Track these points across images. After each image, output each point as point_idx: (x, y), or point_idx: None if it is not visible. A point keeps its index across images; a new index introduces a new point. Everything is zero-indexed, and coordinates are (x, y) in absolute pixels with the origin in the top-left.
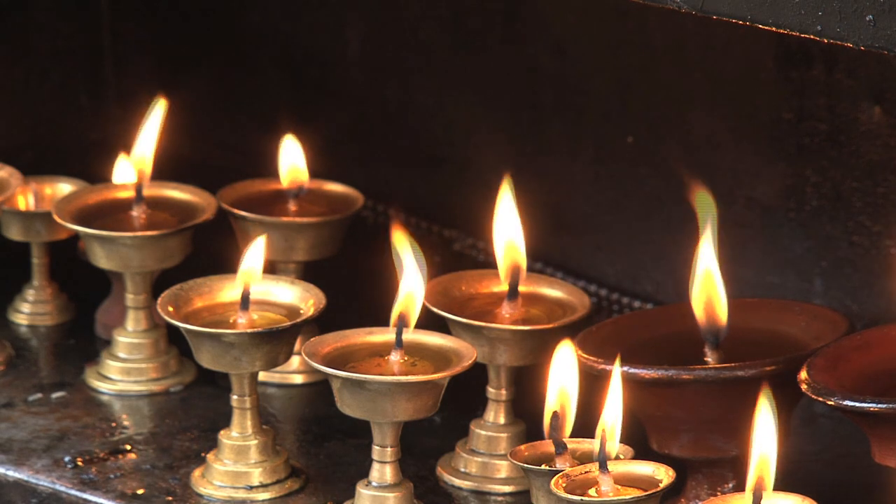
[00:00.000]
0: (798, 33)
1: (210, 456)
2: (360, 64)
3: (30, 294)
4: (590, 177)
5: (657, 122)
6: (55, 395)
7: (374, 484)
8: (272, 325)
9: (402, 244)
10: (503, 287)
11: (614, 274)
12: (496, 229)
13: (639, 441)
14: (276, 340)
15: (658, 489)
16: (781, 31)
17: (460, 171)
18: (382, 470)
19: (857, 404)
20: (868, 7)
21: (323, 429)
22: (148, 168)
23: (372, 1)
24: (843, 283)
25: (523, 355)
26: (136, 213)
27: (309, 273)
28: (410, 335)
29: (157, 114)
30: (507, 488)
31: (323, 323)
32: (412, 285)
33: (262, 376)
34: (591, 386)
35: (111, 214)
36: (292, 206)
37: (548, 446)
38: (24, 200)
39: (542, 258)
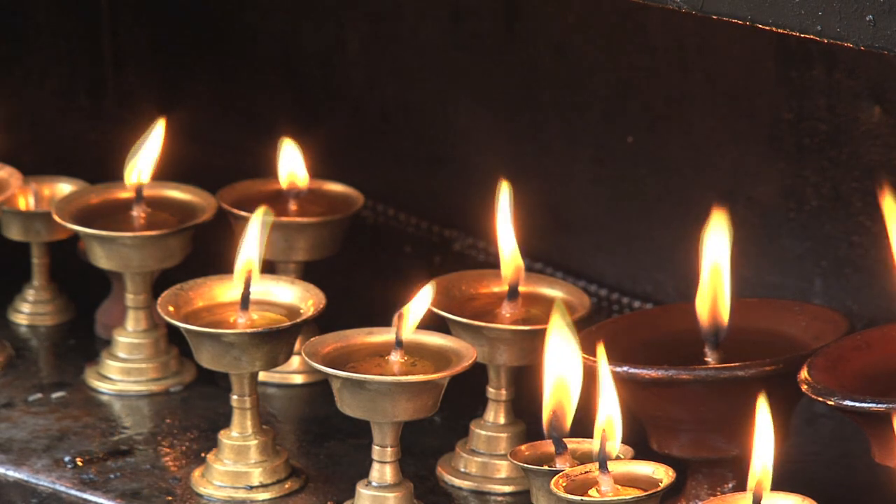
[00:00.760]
0: (798, 33)
1: (210, 456)
2: (360, 64)
3: (30, 294)
4: (590, 177)
5: (657, 122)
6: (55, 395)
7: (374, 484)
8: (272, 325)
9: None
10: (503, 287)
11: (614, 274)
12: (499, 234)
13: (639, 441)
14: (276, 340)
15: (658, 489)
16: (781, 31)
17: (460, 171)
18: (382, 470)
19: (857, 404)
20: (868, 7)
21: (323, 429)
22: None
23: (372, 1)
24: (843, 283)
25: (523, 355)
26: (136, 213)
27: (309, 273)
28: (410, 335)
29: (156, 134)
30: (507, 488)
31: (323, 323)
32: None
33: (262, 376)
34: (591, 384)
35: (111, 214)
36: (292, 206)
37: (548, 446)
38: (24, 200)
39: (542, 258)
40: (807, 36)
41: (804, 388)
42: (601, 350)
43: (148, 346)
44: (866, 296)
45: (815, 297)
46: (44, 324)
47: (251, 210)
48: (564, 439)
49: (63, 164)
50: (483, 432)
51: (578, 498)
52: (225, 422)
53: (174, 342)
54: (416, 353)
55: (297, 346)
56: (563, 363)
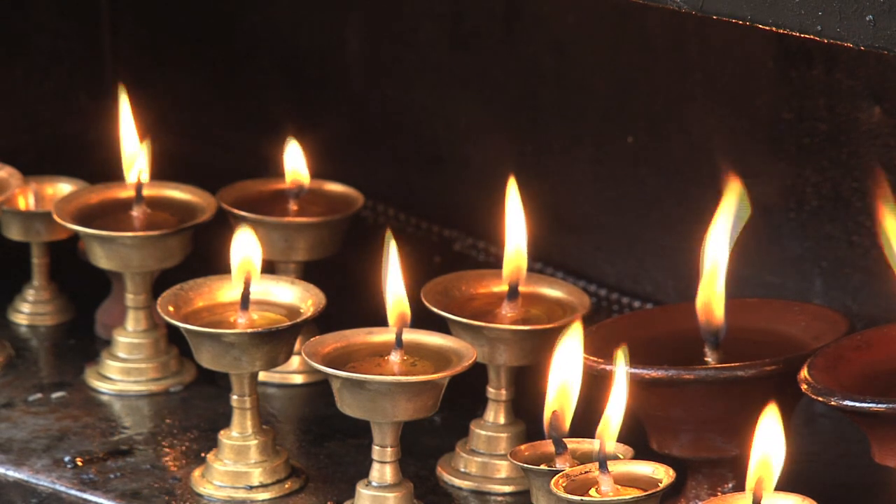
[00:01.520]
0: (798, 33)
1: (210, 456)
2: (360, 64)
3: (30, 294)
4: (590, 177)
5: (657, 122)
6: (55, 395)
7: (374, 484)
8: (272, 325)
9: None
10: (503, 287)
11: (614, 274)
12: (507, 231)
13: (639, 441)
14: (276, 340)
15: (658, 489)
16: (781, 31)
17: (460, 171)
18: (382, 470)
19: (857, 404)
20: (868, 7)
21: (323, 429)
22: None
23: (372, 1)
24: (843, 283)
25: (523, 355)
26: (136, 213)
27: (309, 273)
28: (410, 335)
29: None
30: (507, 488)
31: (323, 323)
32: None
33: (262, 376)
34: (591, 384)
35: (111, 214)
36: (292, 206)
37: (548, 446)
38: (24, 200)
39: (542, 258)
40: (807, 36)
41: (804, 388)
42: (621, 353)
43: (148, 346)
44: (866, 296)
45: (815, 297)
46: (44, 324)
47: (251, 210)
48: (564, 439)
49: (63, 164)
50: (483, 432)
51: (578, 498)
52: (225, 422)
53: (174, 342)
54: (416, 353)
55: (297, 346)
56: (569, 366)
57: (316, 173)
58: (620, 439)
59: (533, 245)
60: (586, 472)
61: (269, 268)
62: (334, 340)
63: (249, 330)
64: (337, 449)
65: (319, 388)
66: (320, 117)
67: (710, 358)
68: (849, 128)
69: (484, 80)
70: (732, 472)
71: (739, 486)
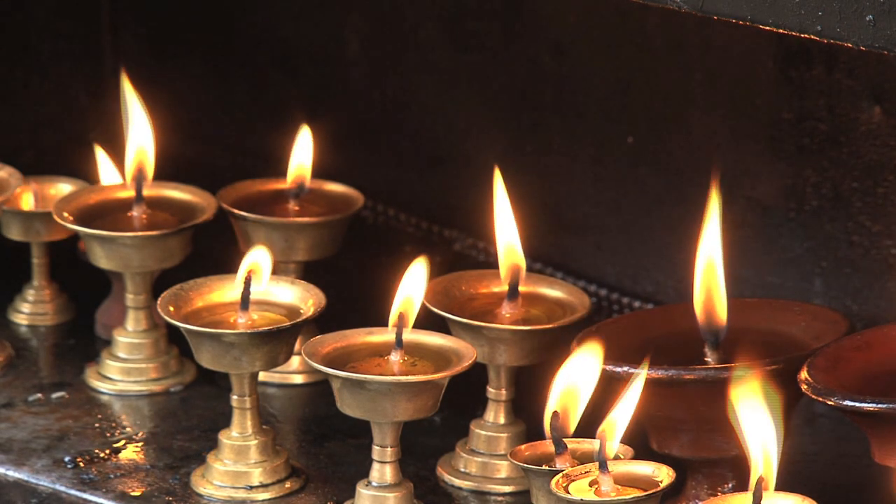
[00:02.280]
0: (798, 33)
1: (210, 456)
2: (360, 64)
3: (30, 294)
4: (590, 177)
5: (657, 122)
6: (55, 395)
7: (374, 484)
8: (272, 325)
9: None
10: (503, 287)
11: (614, 274)
12: (496, 229)
13: (639, 441)
14: (276, 340)
15: (658, 489)
16: (781, 31)
17: (460, 171)
18: (382, 470)
19: (857, 404)
20: (868, 7)
21: (323, 429)
22: (148, 163)
23: (372, 1)
24: (843, 283)
25: (523, 355)
26: (136, 213)
27: (309, 273)
28: (410, 335)
29: (132, 100)
30: (507, 488)
31: (323, 323)
32: (411, 287)
33: (262, 376)
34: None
35: (111, 214)
36: (292, 206)
37: (548, 446)
38: (25, 200)
39: (542, 258)
40: (807, 36)
41: (804, 388)
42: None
43: (148, 346)
44: (866, 296)
45: (815, 297)
46: (44, 324)
47: (251, 210)
48: (564, 439)
49: (63, 164)
50: (483, 432)
51: (578, 498)
52: (225, 422)
53: (174, 342)
54: (416, 353)
55: (297, 346)
56: (582, 372)
57: (316, 173)
58: (620, 439)
59: (533, 245)
60: (586, 472)
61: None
62: (334, 340)
63: (249, 330)
64: (337, 449)
65: (319, 388)
66: (320, 117)
67: (710, 358)
68: (849, 128)
69: (484, 80)
70: (732, 472)
71: (739, 486)
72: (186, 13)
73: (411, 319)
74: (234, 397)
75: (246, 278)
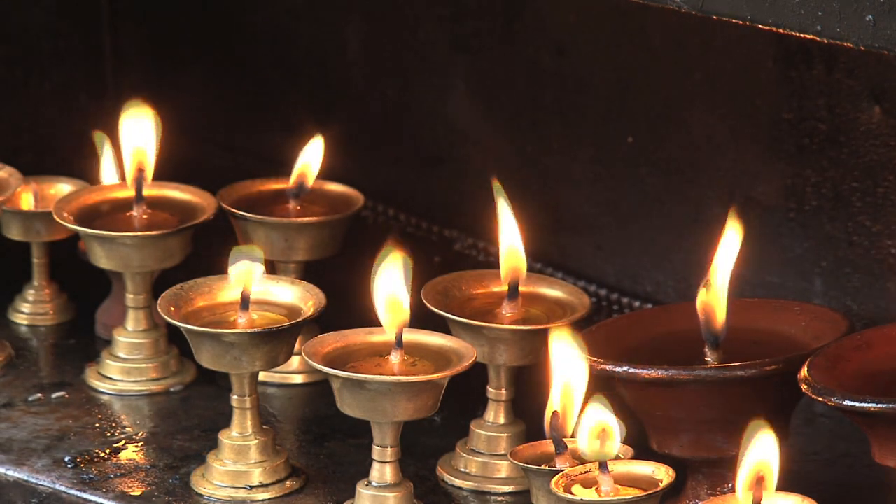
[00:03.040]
0: (798, 33)
1: (210, 456)
2: (360, 64)
3: (30, 294)
4: (590, 177)
5: (657, 122)
6: (55, 395)
7: (374, 484)
8: (272, 325)
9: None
10: (503, 287)
11: (614, 274)
12: (500, 233)
13: (639, 441)
14: (276, 340)
15: (658, 489)
16: (781, 31)
17: (460, 171)
18: (382, 470)
19: (857, 404)
20: (868, 7)
21: (323, 429)
22: (148, 164)
23: (372, 1)
24: (843, 283)
25: (523, 355)
26: (137, 213)
27: (309, 273)
28: (410, 335)
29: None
30: (507, 488)
31: (323, 323)
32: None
33: (262, 376)
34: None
35: (111, 214)
36: (292, 206)
37: (548, 446)
38: (25, 200)
39: (542, 258)
40: (807, 36)
41: (804, 388)
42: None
43: (148, 346)
44: (866, 296)
45: (815, 297)
46: (44, 324)
47: (251, 210)
48: (564, 439)
49: (63, 164)
50: (483, 432)
51: (578, 498)
52: (225, 422)
53: (174, 342)
54: (416, 353)
55: (297, 346)
56: (569, 367)
57: (316, 173)
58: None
59: (533, 245)
60: (586, 472)
61: (269, 268)
62: (334, 340)
63: (249, 330)
64: (337, 449)
65: (319, 388)
66: (321, 117)
67: (710, 358)
68: (849, 128)
69: (484, 80)
70: (732, 472)
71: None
72: (186, 13)
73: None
74: (234, 397)
75: (244, 290)
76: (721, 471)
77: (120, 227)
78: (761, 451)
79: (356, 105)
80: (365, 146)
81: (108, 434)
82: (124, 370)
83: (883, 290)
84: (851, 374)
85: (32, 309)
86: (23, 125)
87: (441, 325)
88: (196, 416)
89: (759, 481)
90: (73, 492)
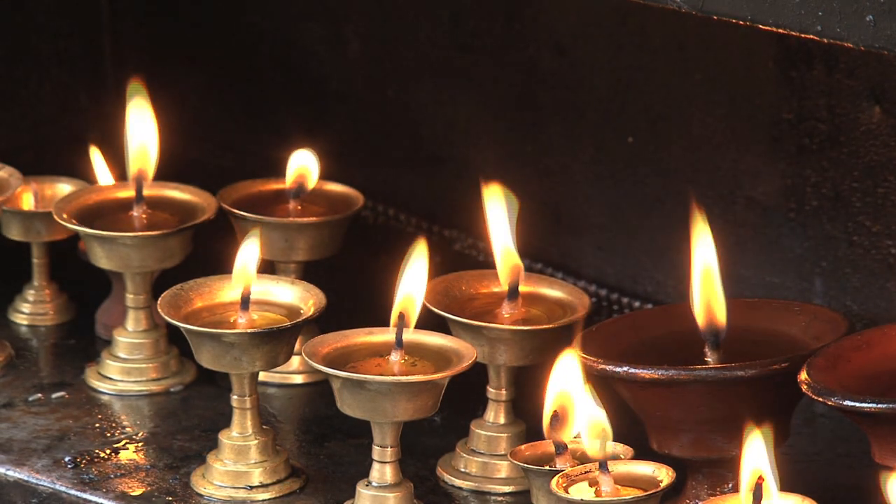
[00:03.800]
0: (798, 33)
1: (210, 456)
2: (360, 64)
3: (30, 294)
4: (590, 177)
5: (657, 122)
6: (55, 395)
7: (374, 484)
8: (272, 325)
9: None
10: (503, 287)
11: (614, 274)
12: (491, 235)
13: (639, 441)
14: (276, 340)
15: (658, 489)
16: (781, 31)
17: (460, 171)
18: (382, 470)
19: (857, 404)
20: (868, 7)
21: (323, 429)
22: (149, 165)
23: (372, 1)
24: (843, 283)
25: (523, 355)
26: (137, 213)
27: (309, 273)
28: (410, 335)
29: (141, 104)
30: (507, 488)
31: (323, 323)
32: (412, 286)
33: (262, 376)
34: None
35: (111, 214)
36: (292, 206)
37: (548, 446)
38: (25, 200)
39: (542, 258)
40: (807, 36)
41: (804, 388)
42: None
43: (148, 346)
44: (866, 296)
45: (815, 297)
46: (44, 324)
47: (251, 210)
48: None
49: (63, 165)
50: (483, 432)
51: (578, 498)
52: (225, 422)
53: (174, 342)
54: (416, 353)
55: (297, 346)
56: (568, 375)
57: (316, 173)
58: (621, 439)
59: (533, 245)
60: (586, 473)
61: (269, 268)
62: (334, 340)
63: (249, 330)
64: (337, 449)
65: (319, 388)
66: (320, 117)
67: (710, 358)
68: (849, 128)
69: (484, 80)
70: (732, 472)
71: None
72: (186, 13)
73: (413, 318)
74: (234, 397)
75: (244, 292)
76: (721, 471)
77: (120, 227)
78: (758, 456)
79: (356, 105)
80: (365, 146)
81: (108, 434)
82: (124, 370)
83: (883, 290)
84: (851, 374)
85: (32, 309)
86: (23, 125)
87: (441, 325)
88: (196, 416)
89: (759, 485)
90: (73, 492)
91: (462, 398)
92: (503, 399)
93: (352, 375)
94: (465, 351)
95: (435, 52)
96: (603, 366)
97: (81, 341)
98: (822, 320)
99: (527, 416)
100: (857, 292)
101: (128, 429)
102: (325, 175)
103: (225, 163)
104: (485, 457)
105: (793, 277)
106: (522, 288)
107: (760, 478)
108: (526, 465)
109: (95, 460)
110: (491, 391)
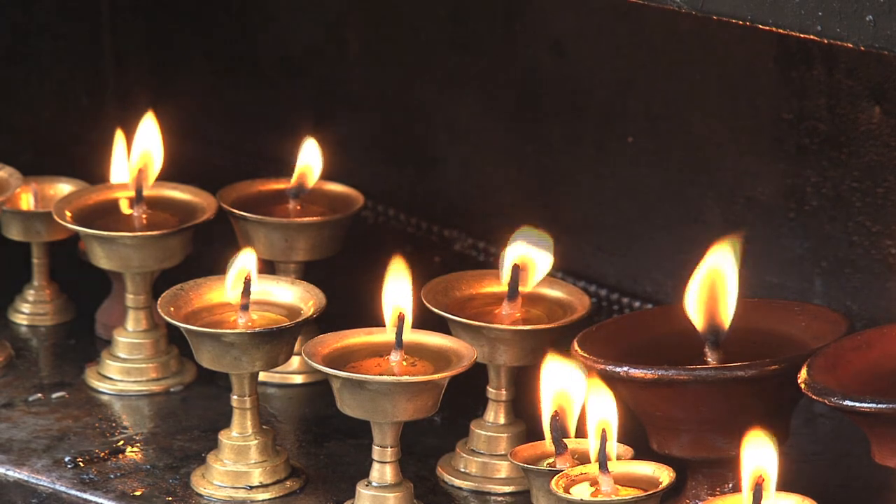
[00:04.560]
0: (798, 33)
1: (210, 456)
2: (360, 64)
3: (30, 294)
4: (590, 177)
5: (657, 122)
6: (55, 395)
7: (374, 484)
8: (272, 326)
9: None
10: (503, 287)
11: (614, 274)
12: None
13: (639, 441)
14: (276, 340)
15: (658, 489)
16: (781, 31)
17: (460, 171)
18: (382, 470)
19: (857, 404)
20: (868, 7)
21: (323, 429)
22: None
23: (372, 1)
24: (843, 283)
25: (523, 355)
26: (137, 213)
27: (309, 273)
28: (410, 335)
29: (149, 126)
30: (507, 488)
31: (323, 323)
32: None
33: (262, 376)
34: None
35: (111, 214)
36: (292, 206)
37: (548, 446)
38: (25, 200)
39: None
40: (807, 36)
41: (804, 388)
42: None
43: (148, 346)
44: (866, 296)
45: (815, 297)
46: (44, 324)
47: (251, 210)
48: (564, 439)
49: (63, 164)
50: (483, 432)
51: (578, 498)
52: (225, 422)
53: (174, 342)
54: (416, 353)
55: (297, 347)
56: (563, 372)
57: (318, 175)
58: (620, 439)
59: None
60: (586, 472)
61: (269, 268)
62: (334, 340)
63: (249, 330)
64: (337, 449)
65: (319, 388)
66: (320, 117)
67: (710, 358)
68: (849, 128)
69: (484, 80)
70: (732, 472)
71: (739, 487)
72: (186, 13)
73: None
74: (234, 397)
75: (245, 280)
76: (721, 471)
77: (120, 227)
78: (760, 457)
79: (356, 105)
80: (365, 146)
81: (108, 434)
82: (124, 370)
83: (883, 290)
84: (851, 374)
85: (32, 309)
86: (23, 125)
87: (441, 325)
88: (196, 416)
89: (759, 485)
90: (73, 492)
91: (462, 398)
92: (503, 399)
93: (352, 375)
94: (465, 351)
95: (435, 52)
96: (603, 366)
97: (81, 341)
98: (822, 320)
99: (527, 416)
100: (857, 292)
101: (128, 429)
102: (326, 175)
103: (225, 163)
104: (485, 457)
105: (793, 277)
106: (522, 288)
107: (760, 478)
108: (526, 465)
109: (95, 460)
110: (491, 391)
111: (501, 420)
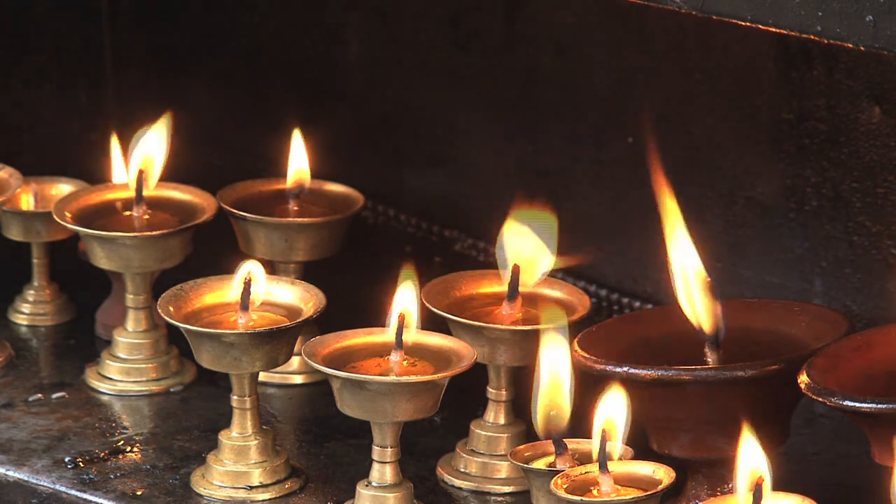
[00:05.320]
0: (798, 33)
1: (210, 456)
2: (360, 64)
3: (30, 294)
4: (590, 177)
5: (657, 122)
6: (55, 395)
7: (374, 484)
8: (272, 326)
9: None
10: (503, 287)
11: (614, 274)
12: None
13: (639, 441)
14: (277, 340)
15: (658, 489)
16: (781, 31)
17: (460, 171)
18: (382, 470)
19: (857, 404)
20: (868, 7)
21: (323, 429)
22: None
23: (372, 2)
24: (843, 283)
25: (523, 355)
26: (137, 213)
27: (309, 273)
28: (410, 335)
29: (161, 128)
30: (507, 488)
31: (323, 323)
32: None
33: (262, 376)
34: (589, 383)
35: (111, 214)
36: (292, 206)
37: (548, 446)
38: (25, 200)
39: None
40: (807, 36)
41: (804, 388)
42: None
43: (148, 346)
44: (866, 296)
45: (815, 297)
46: (44, 324)
47: (251, 210)
48: (564, 439)
49: (63, 164)
50: (483, 432)
51: (578, 498)
52: (225, 422)
53: (174, 342)
54: (416, 353)
55: (297, 347)
56: (555, 365)
57: (316, 173)
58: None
59: None
60: (586, 472)
61: (269, 268)
62: (334, 340)
63: (250, 330)
64: (337, 449)
65: (319, 388)
66: (321, 117)
67: (710, 358)
68: (849, 128)
69: (484, 80)
70: (732, 472)
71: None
72: (187, 13)
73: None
74: (234, 397)
75: (245, 281)
76: (721, 471)
77: (120, 228)
78: (753, 458)
79: (357, 105)
80: (365, 146)
81: (108, 434)
82: (124, 370)
83: (883, 290)
84: (851, 374)
85: (32, 309)
86: (23, 125)
87: (441, 325)
88: (196, 416)
89: (758, 485)
90: (73, 492)
91: (462, 398)
92: (503, 399)
93: (352, 376)
94: (464, 351)
95: (435, 52)
96: (603, 366)
97: (81, 341)
98: (822, 320)
99: (527, 417)
100: (857, 292)
101: (128, 429)
102: (325, 175)
103: (225, 163)
104: (485, 457)
105: (793, 277)
106: (522, 288)
107: (760, 478)
108: (526, 466)
109: (95, 460)
110: (491, 391)
111: (501, 420)
